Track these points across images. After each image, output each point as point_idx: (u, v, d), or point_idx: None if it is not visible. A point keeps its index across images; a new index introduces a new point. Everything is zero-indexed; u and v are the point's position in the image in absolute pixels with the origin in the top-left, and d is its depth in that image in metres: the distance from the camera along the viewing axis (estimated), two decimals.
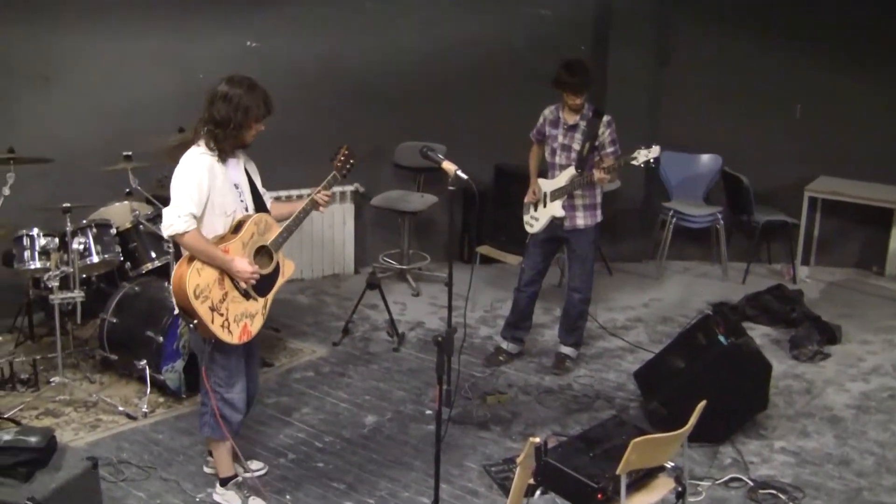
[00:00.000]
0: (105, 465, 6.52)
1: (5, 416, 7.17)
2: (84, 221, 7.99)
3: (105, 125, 9.21)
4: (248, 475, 6.46)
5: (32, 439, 5.25)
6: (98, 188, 8.80)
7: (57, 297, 7.53)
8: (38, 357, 8.09)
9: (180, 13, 9.57)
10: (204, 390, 6.07)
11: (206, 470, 6.66)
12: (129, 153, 8.08)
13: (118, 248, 8.13)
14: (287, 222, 6.10)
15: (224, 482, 6.29)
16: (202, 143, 5.82)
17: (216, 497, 6.30)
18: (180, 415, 7.56)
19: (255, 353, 6.46)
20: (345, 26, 10.45)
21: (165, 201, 8.18)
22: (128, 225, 8.29)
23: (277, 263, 6.10)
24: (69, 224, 7.61)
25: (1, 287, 7.94)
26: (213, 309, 5.73)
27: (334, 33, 10.38)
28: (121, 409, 7.48)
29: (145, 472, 6.65)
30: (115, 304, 7.94)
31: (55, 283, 7.52)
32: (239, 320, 5.88)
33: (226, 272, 5.79)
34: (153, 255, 8.39)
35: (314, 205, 6.20)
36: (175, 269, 5.80)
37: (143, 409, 7.48)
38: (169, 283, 7.73)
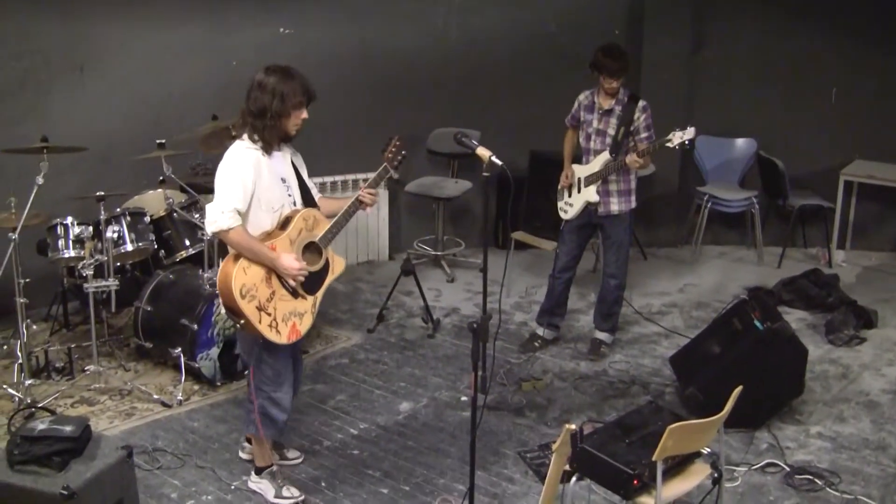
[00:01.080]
0: (140, 454, 6.54)
1: (40, 404, 7.20)
2: (118, 210, 8.00)
3: (138, 114, 9.24)
4: (282, 463, 6.47)
5: (67, 428, 5.25)
6: (132, 176, 8.85)
7: (91, 286, 7.55)
8: (72, 346, 8.12)
9: (213, 1, 9.58)
10: (251, 389, 6.06)
11: (242, 456, 6.68)
12: (163, 141, 8.07)
13: (152, 237, 8.15)
14: (336, 217, 5.95)
15: (259, 471, 6.29)
16: (245, 136, 5.72)
17: (251, 485, 6.31)
18: (215, 402, 7.57)
19: (299, 347, 6.38)
20: (379, 13, 10.46)
21: (199, 189, 8.28)
22: (162, 213, 8.31)
23: (327, 260, 5.98)
24: (103, 212, 7.63)
25: (36, 276, 7.95)
26: (260, 308, 5.64)
27: (368, 20, 10.38)
28: (156, 397, 7.51)
29: (180, 459, 6.67)
30: (150, 293, 7.96)
31: (89, 272, 7.54)
32: (287, 319, 5.78)
33: (273, 270, 5.70)
34: (187, 242, 8.41)
35: (360, 203, 6.03)
36: (221, 268, 5.73)
37: (178, 397, 7.50)
38: (203, 270, 7.80)
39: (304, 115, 5.76)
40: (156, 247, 8.24)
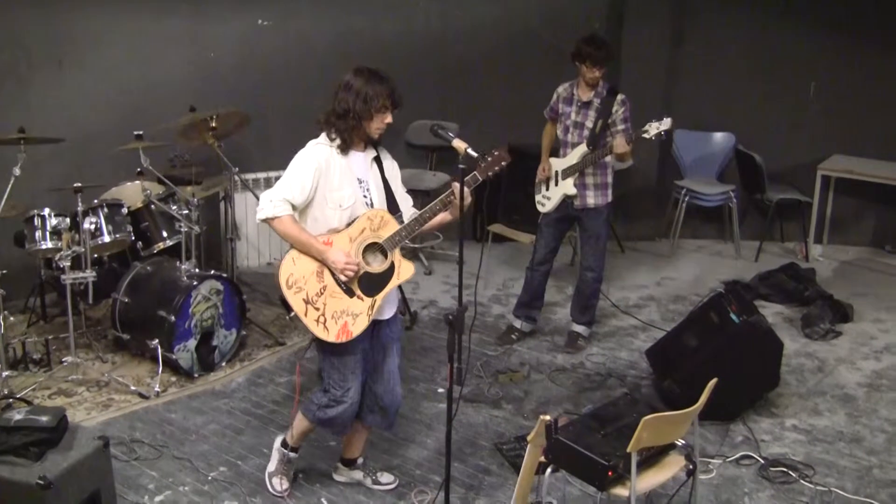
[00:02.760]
0: (117, 445, 6.56)
1: (18, 395, 7.19)
2: (95, 201, 8.00)
3: (116, 105, 9.23)
4: (375, 487, 6.45)
5: (43, 419, 5.25)
6: (109, 168, 8.83)
7: (69, 278, 7.54)
8: (50, 337, 8.12)
9: None
10: (320, 387, 6.01)
11: (337, 478, 6.51)
12: (141, 132, 8.06)
13: (130, 228, 8.15)
14: (409, 220, 5.75)
15: (285, 444, 6.28)
16: (323, 133, 5.65)
17: (275, 450, 6.33)
18: (193, 394, 7.58)
19: (390, 355, 6.08)
20: (358, 4, 10.45)
21: (177, 181, 8.29)
22: (139, 205, 8.31)
23: (392, 263, 5.75)
24: (80, 204, 7.62)
25: (13, 268, 7.94)
26: (307, 301, 5.55)
27: (346, 11, 10.37)
28: (133, 388, 7.51)
29: (158, 451, 6.68)
30: (127, 284, 7.95)
31: (67, 264, 7.53)
32: (338, 318, 5.62)
33: (325, 264, 5.60)
34: (165, 234, 8.42)
35: (444, 205, 5.78)
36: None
37: (156, 389, 7.51)
38: (181, 262, 7.81)
39: (389, 119, 5.68)
40: (133, 238, 8.23)
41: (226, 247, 9.69)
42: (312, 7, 10.22)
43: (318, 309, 5.56)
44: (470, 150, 5.42)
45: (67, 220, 7.68)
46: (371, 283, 5.67)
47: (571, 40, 7.94)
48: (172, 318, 7.58)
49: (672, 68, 11.26)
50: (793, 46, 11.06)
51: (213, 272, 7.95)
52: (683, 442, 5.42)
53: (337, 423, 5.98)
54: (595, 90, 7.98)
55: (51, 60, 8.94)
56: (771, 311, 9.28)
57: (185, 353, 7.72)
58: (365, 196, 5.71)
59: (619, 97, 7.94)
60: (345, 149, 5.62)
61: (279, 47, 9.70)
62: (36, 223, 7.78)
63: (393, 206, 5.84)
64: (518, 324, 8.76)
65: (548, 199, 8.27)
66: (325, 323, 5.57)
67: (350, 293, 5.62)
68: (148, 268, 8.06)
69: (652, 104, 10.38)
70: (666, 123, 7.61)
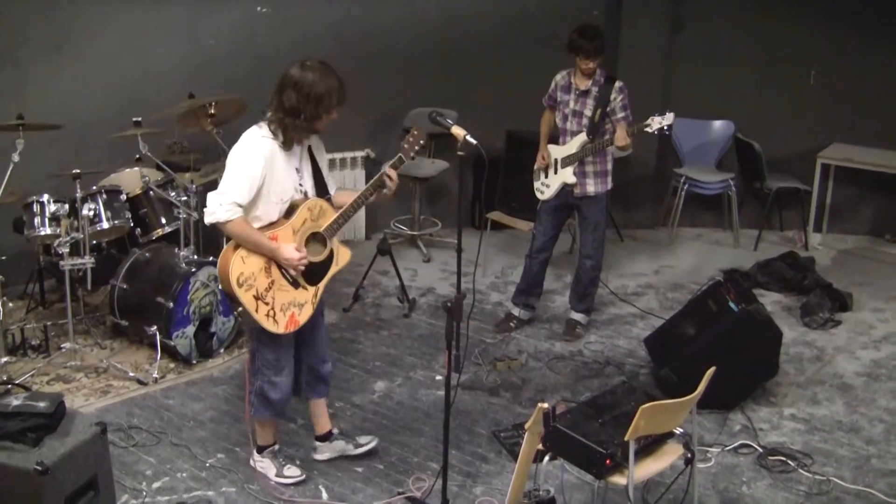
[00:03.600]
0: (115, 431, 6.57)
1: (16, 381, 7.20)
2: (94, 188, 7.98)
3: (115, 92, 9.20)
4: (356, 452, 6.54)
5: (41, 405, 5.25)
6: (108, 154, 8.81)
7: (67, 264, 7.54)
8: (48, 323, 8.11)
9: None
10: (252, 371, 6.07)
11: (317, 457, 6.61)
12: (139, 119, 8.06)
13: (128, 215, 8.14)
14: (344, 208, 5.84)
15: (261, 450, 6.31)
16: (265, 126, 5.60)
17: (253, 463, 6.33)
18: (191, 380, 7.59)
19: (319, 328, 6.26)
20: None
21: (175, 167, 8.28)
22: (138, 191, 8.30)
23: (332, 251, 5.92)
24: (79, 190, 7.62)
25: (12, 254, 7.95)
26: (257, 297, 5.61)
27: None
28: (131, 374, 7.52)
29: (156, 437, 6.70)
30: (126, 271, 7.96)
31: (65, 250, 7.52)
32: (286, 309, 5.74)
33: (273, 260, 5.65)
34: (163, 220, 8.41)
35: (377, 188, 5.89)
36: (221, 255, 5.66)
37: (154, 375, 7.51)
38: (179, 248, 7.80)
39: (335, 115, 5.68)
40: (132, 225, 8.22)
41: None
42: None
43: (267, 304, 5.67)
44: (469, 137, 5.43)
45: (66, 206, 7.66)
46: (313, 273, 5.86)
47: (570, 27, 7.93)
48: (171, 304, 7.58)
49: (671, 56, 11.23)
50: (793, 34, 11.04)
51: (211, 259, 7.93)
52: (681, 430, 5.43)
53: (280, 402, 6.10)
54: (592, 79, 7.97)
55: (49, 47, 8.91)
56: (770, 300, 9.27)
57: (184, 339, 7.72)
58: (301, 185, 5.79)
59: (617, 84, 7.93)
60: (288, 147, 5.63)
61: (278, 34, 9.67)
62: (35, 209, 7.76)
63: (322, 190, 5.94)
64: (516, 311, 8.76)
65: (547, 187, 8.27)
66: (274, 316, 5.70)
67: (296, 285, 5.78)
68: (146, 254, 8.06)
69: (651, 92, 10.39)
70: (669, 118, 7.61)
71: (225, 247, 5.73)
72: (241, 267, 5.56)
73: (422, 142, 6.06)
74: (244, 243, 5.56)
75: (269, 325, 5.68)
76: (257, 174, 5.49)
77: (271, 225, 5.67)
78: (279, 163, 5.60)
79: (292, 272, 5.71)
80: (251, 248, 5.57)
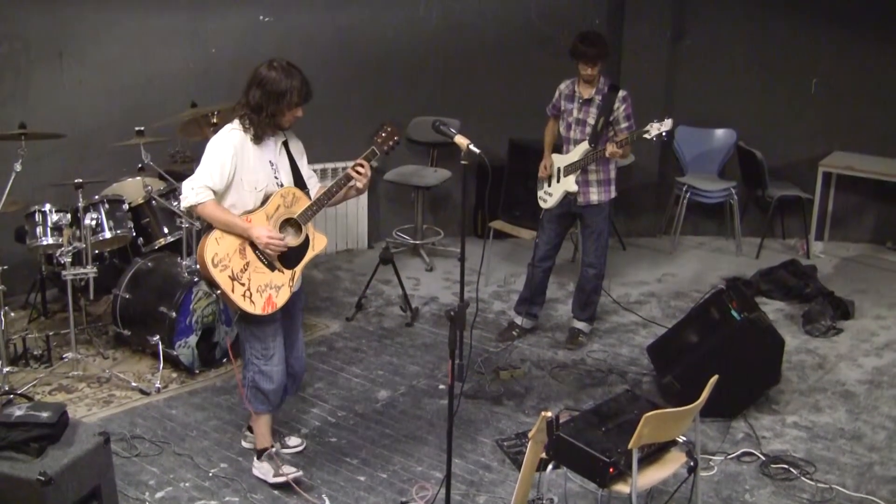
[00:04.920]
0: (118, 441, 6.55)
1: (18, 391, 7.19)
2: (96, 197, 7.98)
3: (118, 101, 9.21)
4: (284, 452, 6.57)
5: (44, 414, 5.25)
6: (110, 164, 8.84)
7: (69, 273, 7.54)
8: (51, 333, 8.11)
9: None
10: (242, 363, 6.20)
11: (244, 444, 6.73)
12: (142, 128, 8.07)
13: (130, 224, 8.13)
14: (318, 195, 6.06)
15: (259, 454, 6.34)
16: (237, 121, 5.85)
17: (254, 472, 6.36)
18: (193, 390, 7.58)
19: (297, 325, 6.48)
20: (358, 0, 10.43)
21: (178, 177, 8.27)
22: (140, 200, 8.30)
23: (307, 236, 6.07)
24: (81, 200, 7.61)
25: (14, 263, 7.94)
26: (232, 278, 5.77)
27: (348, 7, 10.35)
28: (134, 384, 7.51)
29: (158, 447, 6.68)
30: (128, 280, 7.95)
31: (68, 259, 7.53)
32: (262, 291, 5.88)
33: (247, 241, 5.81)
34: (166, 230, 8.40)
35: (348, 179, 6.04)
36: (200, 241, 5.85)
37: (157, 385, 7.51)
38: (181, 258, 7.82)
39: (299, 113, 5.89)
40: (134, 234, 8.23)
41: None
42: (313, 3, 10.19)
43: (243, 284, 5.83)
44: (472, 146, 5.44)
45: (68, 215, 7.67)
46: (289, 257, 6.03)
47: (573, 35, 7.95)
48: (173, 314, 7.58)
49: (673, 64, 11.25)
50: (794, 42, 11.06)
51: None
52: (684, 438, 5.42)
53: (273, 392, 6.20)
54: (596, 87, 7.97)
55: (51, 56, 8.92)
56: (772, 308, 9.28)
57: (186, 349, 7.72)
58: (276, 178, 5.97)
59: (621, 94, 7.94)
60: (257, 140, 5.85)
61: (280, 43, 9.68)
62: (37, 219, 7.77)
63: (300, 185, 6.12)
64: (519, 320, 8.75)
65: (550, 196, 8.27)
66: (251, 297, 5.86)
67: (272, 267, 5.95)
68: (149, 264, 8.05)
69: (652, 100, 10.41)
70: (667, 124, 7.60)
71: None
72: (215, 248, 5.76)
73: (396, 138, 6.25)
74: (217, 224, 5.78)
75: (245, 306, 5.83)
76: (227, 161, 5.73)
77: (247, 213, 5.86)
78: (249, 152, 5.83)
79: (268, 253, 5.87)
80: (224, 228, 5.78)
